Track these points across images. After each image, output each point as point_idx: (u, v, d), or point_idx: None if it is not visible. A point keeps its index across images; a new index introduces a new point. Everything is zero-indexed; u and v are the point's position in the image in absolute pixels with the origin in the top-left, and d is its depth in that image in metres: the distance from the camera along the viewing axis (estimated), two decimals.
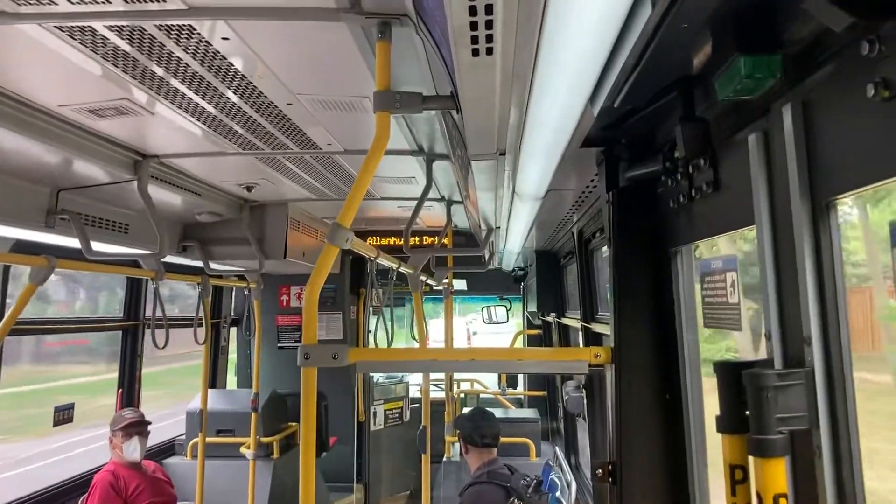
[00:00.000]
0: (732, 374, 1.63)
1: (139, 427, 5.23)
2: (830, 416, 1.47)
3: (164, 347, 5.08)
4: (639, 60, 1.65)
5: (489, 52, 1.48)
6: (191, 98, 2.69)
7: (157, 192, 3.93)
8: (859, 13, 1.19)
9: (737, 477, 1.63)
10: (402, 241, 6.81)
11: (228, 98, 2.71)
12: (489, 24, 1.33)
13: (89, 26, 2.01)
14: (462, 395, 10.06)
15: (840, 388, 1.46)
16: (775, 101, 1.60)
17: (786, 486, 1.49)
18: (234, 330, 8.26)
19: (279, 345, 8.06)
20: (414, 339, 5.69)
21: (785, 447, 1.49)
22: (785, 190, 1.57)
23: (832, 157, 1.43)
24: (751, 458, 1.56)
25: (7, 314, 3.84)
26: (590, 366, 2.44)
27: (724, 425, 1.65)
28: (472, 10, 1.26)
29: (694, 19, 1.50)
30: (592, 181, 3.36)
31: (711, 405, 2.28)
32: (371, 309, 8.55)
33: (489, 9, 1.25)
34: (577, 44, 1.46)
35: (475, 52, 1.48)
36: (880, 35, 1.19)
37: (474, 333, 15.51)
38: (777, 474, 1.49)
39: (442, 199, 5.22)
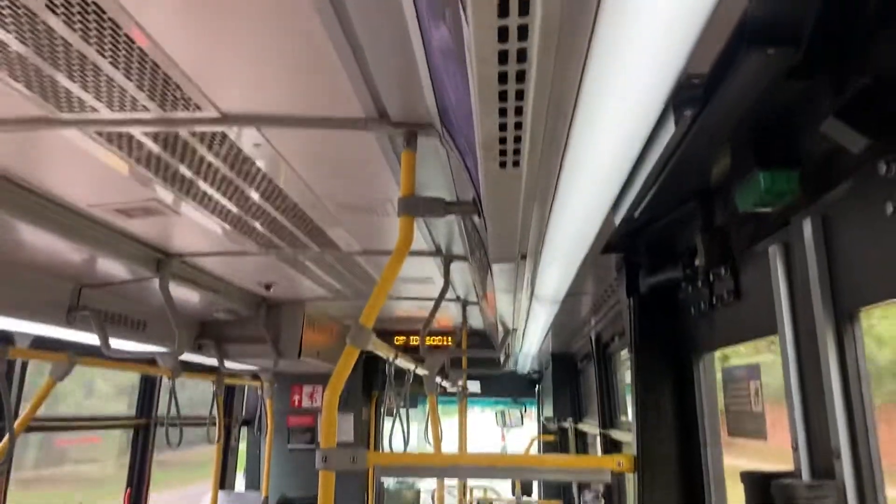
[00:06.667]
0: (760, 485, 1.60)
1: None
2: None
3: (178, 446, 5.00)
4: (660, 174, 1.69)
5: (516, 164, 1.52)
6: (217, 199, 2.75)
7: (177, 290, 3.96)
8: (876, 136, 1.22)
9: None
10: (415, 340, 6.80)
11: (254, 200, 2.78)
12: (517, 139, 1.37)
13: (127, 132, 2.09)
14: (475, 502, 9.76)
15: (871, 503, 1.42)
16: (795, 214, 1.63)
17: None
18: (243, 429, 8.13)
19: (290, 446, 7.90)
20: (428, 442, 5.56)
21: None
22: (807, 300, 1.58)
23: (855, 269, 1.44)
24: None
25: (26, 409, 3.82)
26: (612, 474, 2.39)
27: None
28: (502, 126, 1.31)
29: (714, 136, 1.55)
30: (611, 286, 3.38)
31: None
32: (384, 411, 8.42)
33: (518, 125, 1.30)
34: (601, 159, 1.51)
35: (502, 164, 1.52)
36: None
37: (507, 431, 15.28)
38: None
39: (457, 299, 5.23)
